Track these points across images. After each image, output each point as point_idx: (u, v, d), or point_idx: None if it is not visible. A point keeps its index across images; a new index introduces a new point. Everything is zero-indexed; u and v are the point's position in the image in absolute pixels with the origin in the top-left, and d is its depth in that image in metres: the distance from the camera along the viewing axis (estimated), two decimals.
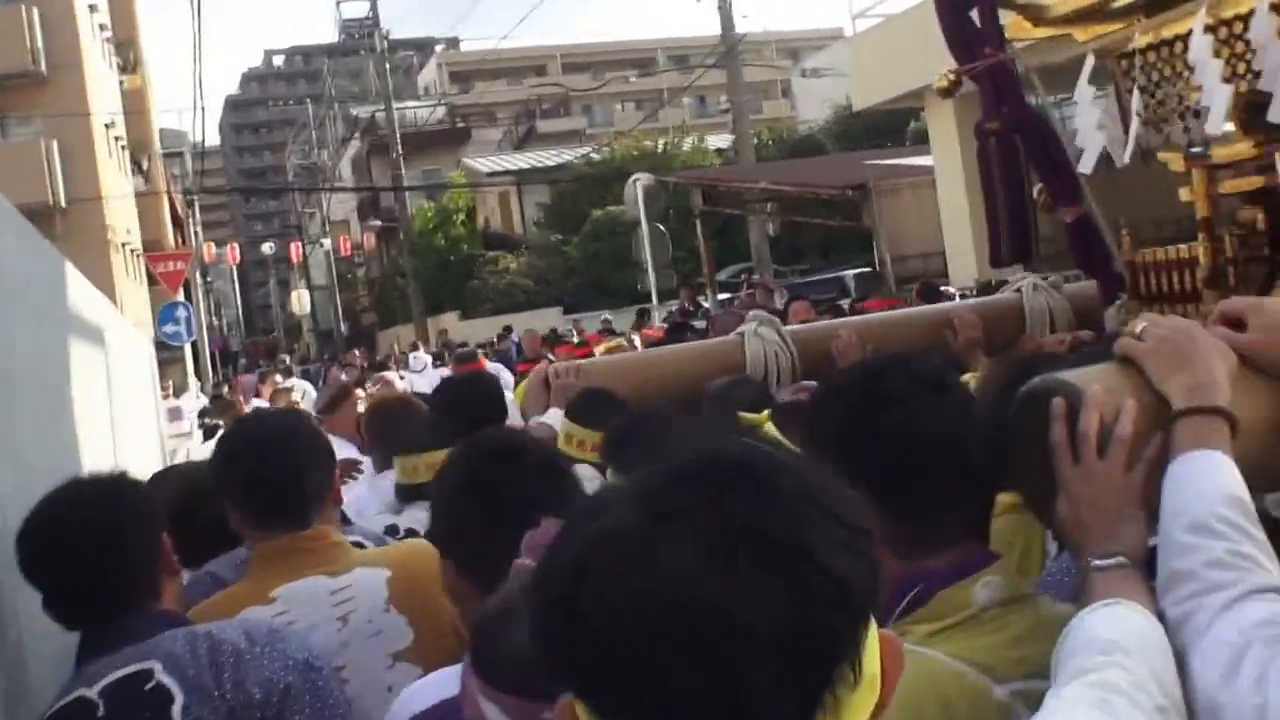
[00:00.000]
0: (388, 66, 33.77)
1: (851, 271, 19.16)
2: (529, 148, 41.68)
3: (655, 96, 43.17)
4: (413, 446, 3.31)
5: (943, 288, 10.22)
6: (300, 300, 41.20)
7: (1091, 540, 1.47)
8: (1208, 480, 1.42)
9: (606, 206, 29.43)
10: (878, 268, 16.77)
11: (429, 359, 17.28)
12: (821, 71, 33.59)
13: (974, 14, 3.44)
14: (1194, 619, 1.33)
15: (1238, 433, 1.46)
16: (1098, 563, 1.44)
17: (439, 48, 53.57)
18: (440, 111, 44.05)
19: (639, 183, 17.36)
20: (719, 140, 34.10)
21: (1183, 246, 3.30)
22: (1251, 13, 2.90)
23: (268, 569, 2.28)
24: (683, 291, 17.91)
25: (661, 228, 17.67)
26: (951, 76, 3.52)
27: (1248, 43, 2.97)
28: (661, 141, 32.76)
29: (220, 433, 4.20)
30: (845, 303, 10.47)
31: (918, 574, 1.52)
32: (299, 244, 47.28)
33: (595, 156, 33.58)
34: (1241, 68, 2.96)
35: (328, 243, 46.06)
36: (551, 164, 36.04)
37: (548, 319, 24.98)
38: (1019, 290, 3.89)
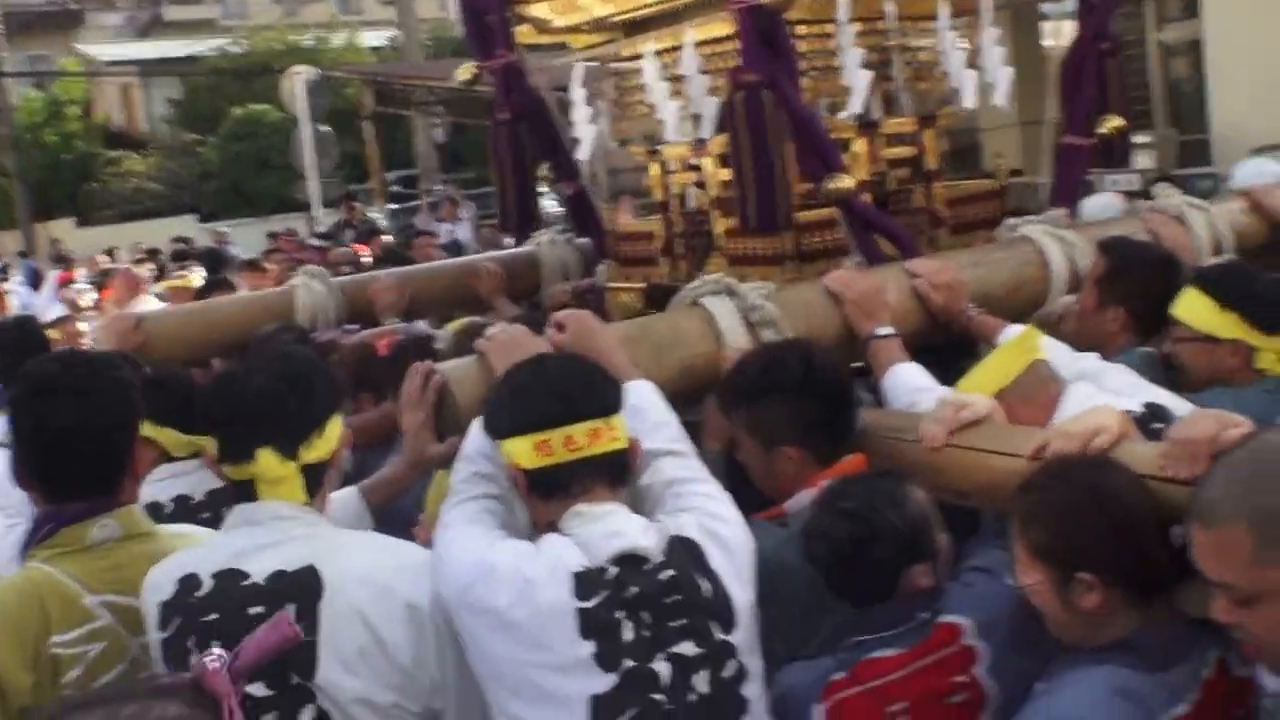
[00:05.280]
0: None
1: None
2: (154, 36, 40.02)
3: None
4: None
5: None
6: None
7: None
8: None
9: (247, 104, 29.02)
10: None
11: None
12: None
13: (489, 19, 4.41)
14: None
15: None
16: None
17: None
18: None
19: (300, 77, 16.72)
20: (373, 38, 34.11)
21: (645, 221, 4.45)
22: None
23: None
24: (344, 203, 17.70)
25: (328, 129, 17.24)
26: (474, 69, 4.51)
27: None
28: (309, 36, 32.43)
29: None
30: None
31: (50, 515, 2.35)
32: None
33: (234, 49, 32.87)
34: (680, 87, 4.06)
35: None
36: (182, 55, 34.91)
37: (180, 227, 24.42)
38: (539, 244, 4.98)
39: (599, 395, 2.26)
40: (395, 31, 27.43)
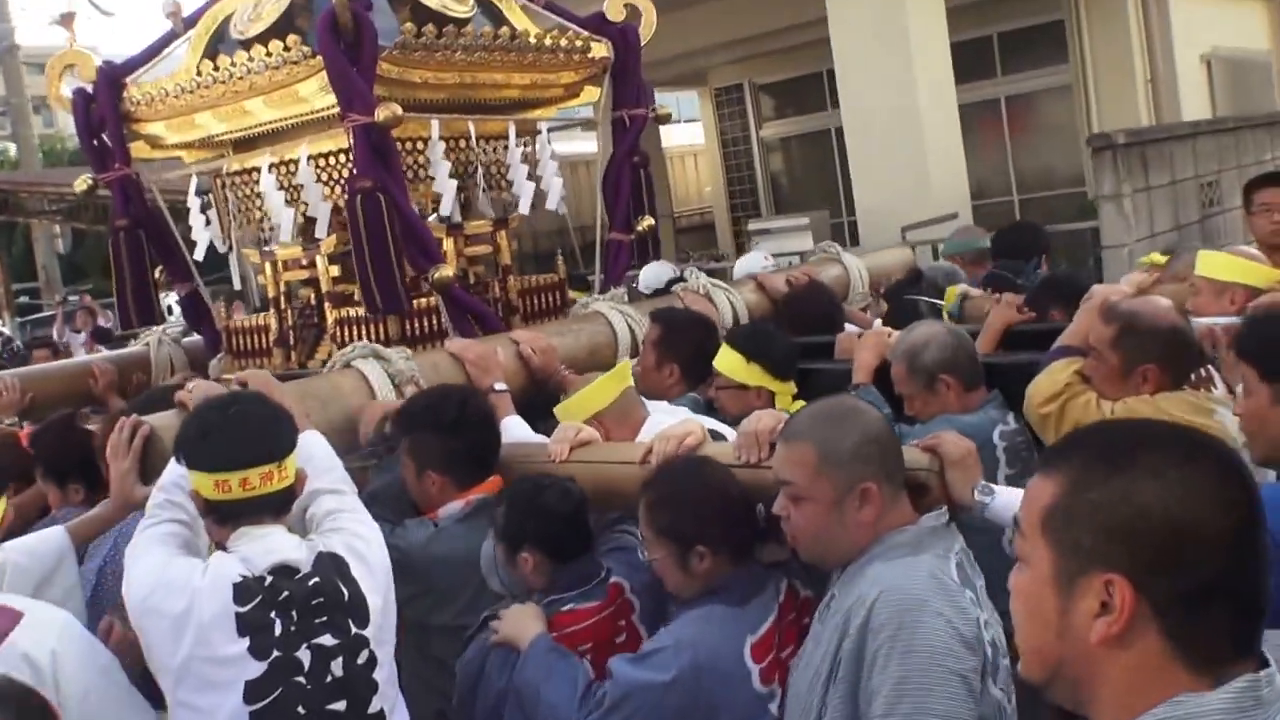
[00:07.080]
0: None
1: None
2: None
3: None
4: None
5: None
6: None
7: None
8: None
9: None
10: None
11: None
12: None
13: (104, 135, 4.83)
14: None
15: None
16: None
17: None
18: None
19: None
20: None
21: (259, 316, 4.98)
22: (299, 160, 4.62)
23: None
24: None
25: None
26: (90, 181, 4.88)
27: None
28: None
29: None
30: None
31: None
32: None
33: None
34: (296, 195, 4.64)
35: None
36: None
37: None
38: (148, 344, 5.37)
39: (274, 442, 2.70)
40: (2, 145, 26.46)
